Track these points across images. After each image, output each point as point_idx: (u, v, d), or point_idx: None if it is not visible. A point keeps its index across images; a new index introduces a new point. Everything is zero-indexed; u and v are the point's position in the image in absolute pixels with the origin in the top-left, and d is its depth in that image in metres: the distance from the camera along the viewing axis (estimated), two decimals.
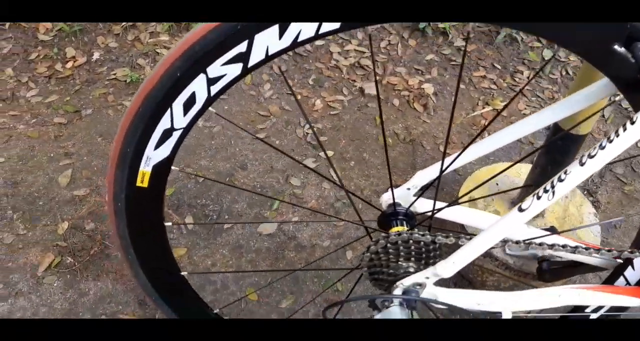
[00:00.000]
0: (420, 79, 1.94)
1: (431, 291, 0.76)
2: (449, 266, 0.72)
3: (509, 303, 0.79)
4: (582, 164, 0.66)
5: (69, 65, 1.92)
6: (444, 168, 0.83)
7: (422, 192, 0.89)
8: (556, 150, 1.06)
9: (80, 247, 1.38)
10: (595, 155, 0.65)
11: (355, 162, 1.66)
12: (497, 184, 1.30)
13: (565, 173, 0.67)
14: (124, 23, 2.05)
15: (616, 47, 0.62)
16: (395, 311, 0.77)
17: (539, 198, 0.68)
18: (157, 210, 0.80)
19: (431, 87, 1.91)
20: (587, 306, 0.93)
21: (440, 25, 2.07)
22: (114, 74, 1.89)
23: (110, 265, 1.35)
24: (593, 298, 0.83)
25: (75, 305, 1.27)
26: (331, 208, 1.53)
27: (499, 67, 2.01)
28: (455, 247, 0.74)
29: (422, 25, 2.05)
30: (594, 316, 0.94)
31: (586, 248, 0.78)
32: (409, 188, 0.90)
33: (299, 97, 1.86)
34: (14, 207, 1.48)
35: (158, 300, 0.92)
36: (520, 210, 0.69)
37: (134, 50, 1.98)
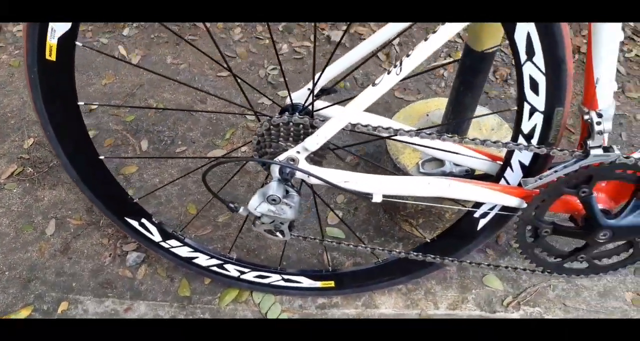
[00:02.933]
0: None
1: (305, 167, 0.84)
2: (314, 139, 0.80)
3: (378, 185, 0.86)
4: (426, 40, 0.73)
5: None
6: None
7: (312, 91, 0.96)
8: (466, 70, 1.11)
9: (41, 160, 1.49)
10: (438, 30, 0.72)
11: None
12: (427, 115, 1.36)
13: (412, 50, 0.74)
14: None
15: None
16: (273, 186, 0.85)
17: (389, 73, 0.75)
18: (69, 87, 0.89)
19: (397, 38, 1.96)
20: (483, 204, 0.99)
21: None
22: None
23: (66, 177, 1.45)
24: (463, 190, 0.89)
25: (29, 209, 1.38)
26: None
27: None
28: None
29: None
30: (491, 214, 1.00)
31: (473, 139, 0.84)
32: (308, 89, 0.97)
33: (266, 41, 1.93)
34: None
35: (79, 182, 1.01)
36: (374, 85, 0.76)
37: None
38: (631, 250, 0.97)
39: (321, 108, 0.95)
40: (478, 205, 1.00)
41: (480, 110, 1.33)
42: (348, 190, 0.86)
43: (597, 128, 0.80)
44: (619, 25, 0.74)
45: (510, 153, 0.91)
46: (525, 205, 0.91)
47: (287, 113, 0.89)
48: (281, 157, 0.83)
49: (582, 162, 0.83)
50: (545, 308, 1.23)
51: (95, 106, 1.65)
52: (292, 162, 0.83)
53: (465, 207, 1.04)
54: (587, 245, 0.95)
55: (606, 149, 0.82)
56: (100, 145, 1.55)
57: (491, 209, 1.00)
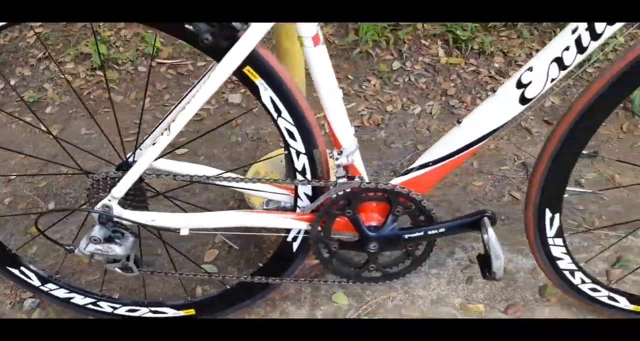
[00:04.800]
0: None
1: (118, 212, 1.06)
2: (117, 188, 1.03)
3: (184, 221, 1.09)
4: (183, 108, 0.98)
5: None
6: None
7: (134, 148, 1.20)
8: None
9: None
10: (191, 99, 0.97)
11: (205, 156, 1.98)
12: (281, 161, 1.60)
13: (178, 116, 0.99)
14: (39, 55, 2.45)
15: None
16: (96, 229, 1.07)
17: (162, 134, 0.99)
18: None
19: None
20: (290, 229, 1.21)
21: None
22: (22, 96, 2.27)
23: None
24: (259, 219, 1.12)
25: None
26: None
27: (351, 77, 2.34)
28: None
29: None
30: (299, 237, 1.21)
31: (256, 178, 1.07)
32: (140, 149, 1.21)
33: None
34: None
35: None
36: (154, 144, 1.00)
37: (43, 76, 2.37)
38: (411, 258, 1.19)
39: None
40: (288, 231, 1.22)
41: None
42: (157, 227, 1.08)
43: (336, 162, 1.04)
44: (333, 83, 1.00)
45: (296, 187, 1.14)
46: (310, 227, 1.13)
47: (112, 170, 1.13)
48: (98, 205, 1.06)
49: (334, 189, 1.06)
50: (382, 317, 1.42)
51: (14, 176, 1.89)
52: (107, 208, 1.06)
53: (277, 233, 1.26)
54: (368, 256, 1.17)
55: (351, 178, 1.06)
56: (15, 209, 1.77)
57: (298, 233, 1.22)
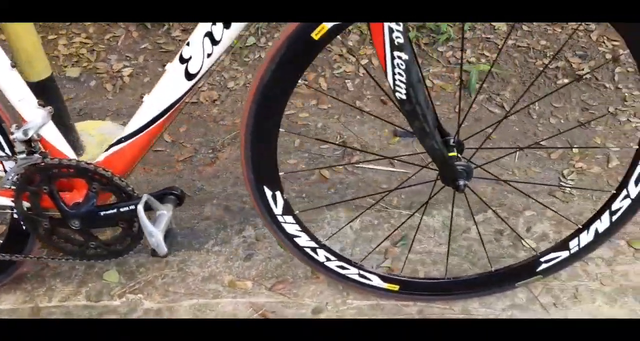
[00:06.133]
0: (125, 64, 2.23)
1: None
2: None
3: None
4: None
5: None
6: None
7: None
8: None
9: None
10: None
11: None
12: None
13: None
14: None
15: None
16: None
17: None
18: None
19: (130, 70, 2.20)
20: None
21: None
22: None
23: None
24: None
25: None
26: None
27: None
28: None
29: None
30: None
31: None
32: None
33: None
34: None
35: None
36: None
37: None
38: (129, 235, 1.17)
39: None
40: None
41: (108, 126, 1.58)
42: None
43: (12, 137, 1.02)
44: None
45: (2, 162, 1.12)
46: (14, 204, 1.11)
47: None
48: None
49: (18, 164, 1.04)
50: (147, 294, 1.42)
51: None
52: None
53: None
54: (79, 234, 1.15)
55: (31, 153, 1.04)
56: None
57: None
